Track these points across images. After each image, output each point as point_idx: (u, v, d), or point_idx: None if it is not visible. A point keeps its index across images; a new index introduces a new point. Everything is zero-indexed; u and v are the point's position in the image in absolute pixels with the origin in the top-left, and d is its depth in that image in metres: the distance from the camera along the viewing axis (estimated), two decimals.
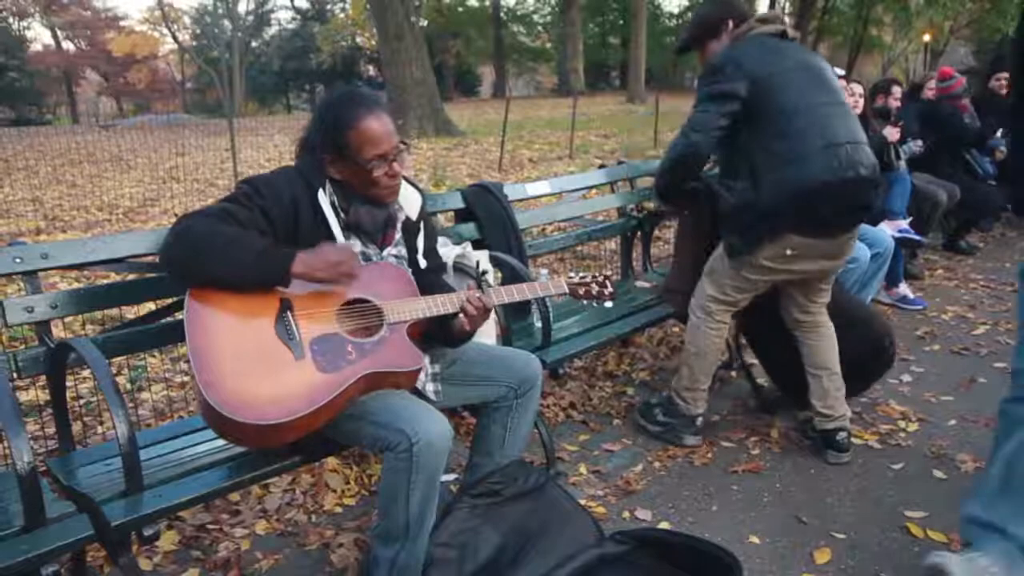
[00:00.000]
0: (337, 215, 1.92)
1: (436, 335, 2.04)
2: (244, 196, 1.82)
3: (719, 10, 2.71)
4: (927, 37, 26.05)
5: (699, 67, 2.73)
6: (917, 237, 4.37)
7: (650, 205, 3.87)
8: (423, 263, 2.12)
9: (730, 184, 2.55)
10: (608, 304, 2.19)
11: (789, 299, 2.78)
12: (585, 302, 2.18)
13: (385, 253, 2.02)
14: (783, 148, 2.42)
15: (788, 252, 2.50)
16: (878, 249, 3.89)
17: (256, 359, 1.71)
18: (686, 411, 2.83)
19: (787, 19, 2.71)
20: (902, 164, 4.69)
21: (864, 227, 3.94)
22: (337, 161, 1.89)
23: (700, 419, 2.85)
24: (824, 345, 2.77)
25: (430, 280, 2.10)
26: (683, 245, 3.06)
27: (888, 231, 4.18)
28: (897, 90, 5.12)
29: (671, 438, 2.87)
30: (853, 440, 2.90)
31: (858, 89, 4.39)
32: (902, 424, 3.05)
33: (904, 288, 4.59)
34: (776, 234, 2.48)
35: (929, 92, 5.67)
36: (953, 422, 3.06)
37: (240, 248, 1.73)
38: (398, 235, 2.05)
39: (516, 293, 2.06)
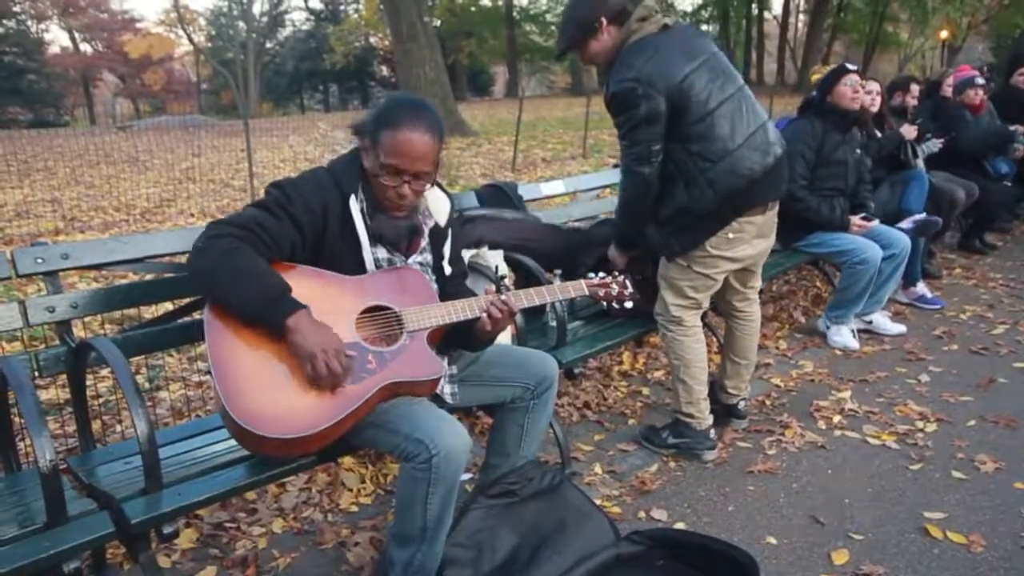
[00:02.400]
0: (366, 223, 1.90)
1: (456, 340, 2.03)
2: (275, 204, 1.81)
3: (590, 8, 2.54)
4: (944, 34, 25.81)
5: None
6: (932, 218, 4.29)
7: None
8: (448, 269, 2.10)
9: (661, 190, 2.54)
10: (629, 305, 2.17)
11: (729, 290, 2.83)
12: (605, 304, 2.16)
13: (410, 261, 2.00)
14: (707, 150, 2.43)
15: (730, 236, 2.55)
16: (893, 250, 3.86)
17: (277, 372, 1.72)
18: (697, 427, 2.76)
19: (656, 6, 2.54)
20: (920, 162, 4.65)
21: (879, 227, 3.93)
22: (369, 153, 1.87)
23: (712, 430, 2.80)
24: (751, 336, 2.92)
25: (453, 286, 2.09)
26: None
27: (904, 226, 4.14)
28: (915, 88, 5.06)
29: (687, 456, 2.80)
30: (870, 440, 2.90)
31: (875, 87, 4.36)
32: (920, 424, 3.02)
33: (922, 287, 4.55)
34: (713, 232, 2.53)
35: (947, 89, 5.59)
36: (972, 422, 3.03)
37: (254, 289, 1.71)
38: (424, 242, 2.03)
39: (536, 297, 2.05)
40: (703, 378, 2.75)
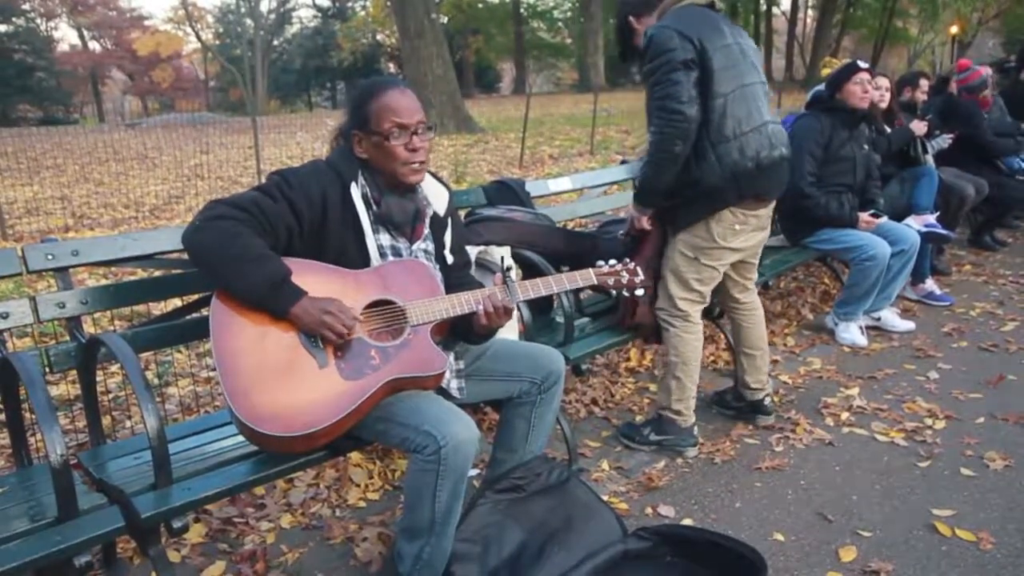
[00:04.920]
0: (369, 208, 1.92)
1: (458, 332, 2.04)
2: (275, 187, 1.84)
3: (619, 15, 2.77)
4: (954, 29, 25.59)
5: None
6: (945, 232, 4.30)
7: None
8: (450, 259, 2.10)
9: None
10: (640, 292, 2.15)
11: (729, 283, 2.85)
12: (615, 293, 2.14)
13: (415, 247, 2.00)
14: (722, 126, 2.46)
15: (736, 227, 2.59)
16: (903, 246, 3.84)
17: (281, 369, 1.73)
18: (682, 424, 2.77)
19: None
20: (929, 158, 4.62)
21: (888, 223, 3.91)
22: (363, 138, 1.91)
23: (696, 427, 2.81)
24: (758, 326, 2.95)
25: (457, 276, 2.10)
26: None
27: (915, 226, 4.12)
28: (924, 83, 5.04)
29: (670, 453, 2.79)
30: (878, 437, 2.89)
31: (884, 83, 4.34)
32: (929, 421, 3.01)
33: (931, 284, 4.53)
34: (716, 211, 2.55)
35: (954, 85, 5.56)
36: (981, 419, 3.02)
37: (255, 272, 1.73)
38: (426, 229, 2.04)
39: (542, 287, 2.04)
40: (696, 377, 2.78)
